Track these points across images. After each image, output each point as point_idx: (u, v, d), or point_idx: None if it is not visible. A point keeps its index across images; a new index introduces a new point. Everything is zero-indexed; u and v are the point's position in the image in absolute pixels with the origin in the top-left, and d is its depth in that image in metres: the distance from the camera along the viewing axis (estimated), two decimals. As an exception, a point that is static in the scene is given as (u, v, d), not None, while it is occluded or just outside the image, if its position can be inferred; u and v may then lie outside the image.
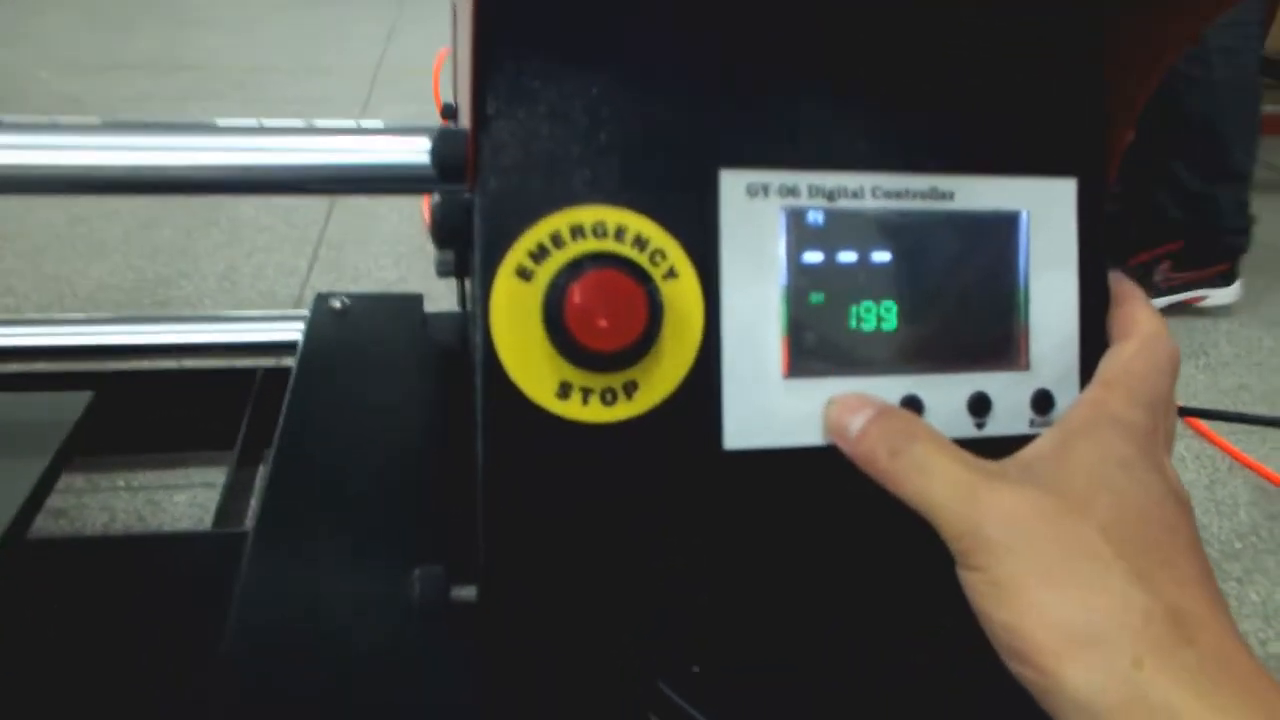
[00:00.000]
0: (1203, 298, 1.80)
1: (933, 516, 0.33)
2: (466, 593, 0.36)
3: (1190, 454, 1.39)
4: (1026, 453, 0.34)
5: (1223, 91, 1.66)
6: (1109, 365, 0.36)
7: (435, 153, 0.35)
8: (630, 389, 0.35)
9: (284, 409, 0.69)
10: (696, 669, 0.37)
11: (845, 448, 0.36)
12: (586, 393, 0.35)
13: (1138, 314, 0.38)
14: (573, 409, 0.35)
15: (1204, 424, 1.41)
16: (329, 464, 0.61)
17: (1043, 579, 0.30)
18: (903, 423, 0.35)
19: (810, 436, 0.36)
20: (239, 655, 0.44)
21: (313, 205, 1.91)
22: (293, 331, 1.06)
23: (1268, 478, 1.33)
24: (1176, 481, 0.34)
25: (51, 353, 0.98)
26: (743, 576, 0.37)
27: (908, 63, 0.38)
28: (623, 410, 0.35)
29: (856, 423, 0.35)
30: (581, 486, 0.35)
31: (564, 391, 0.34)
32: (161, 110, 2.48)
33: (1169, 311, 1.78)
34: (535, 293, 0.34)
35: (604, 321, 0.33)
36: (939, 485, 0.33)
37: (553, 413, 0.35)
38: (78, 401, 0.92)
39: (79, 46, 3.06)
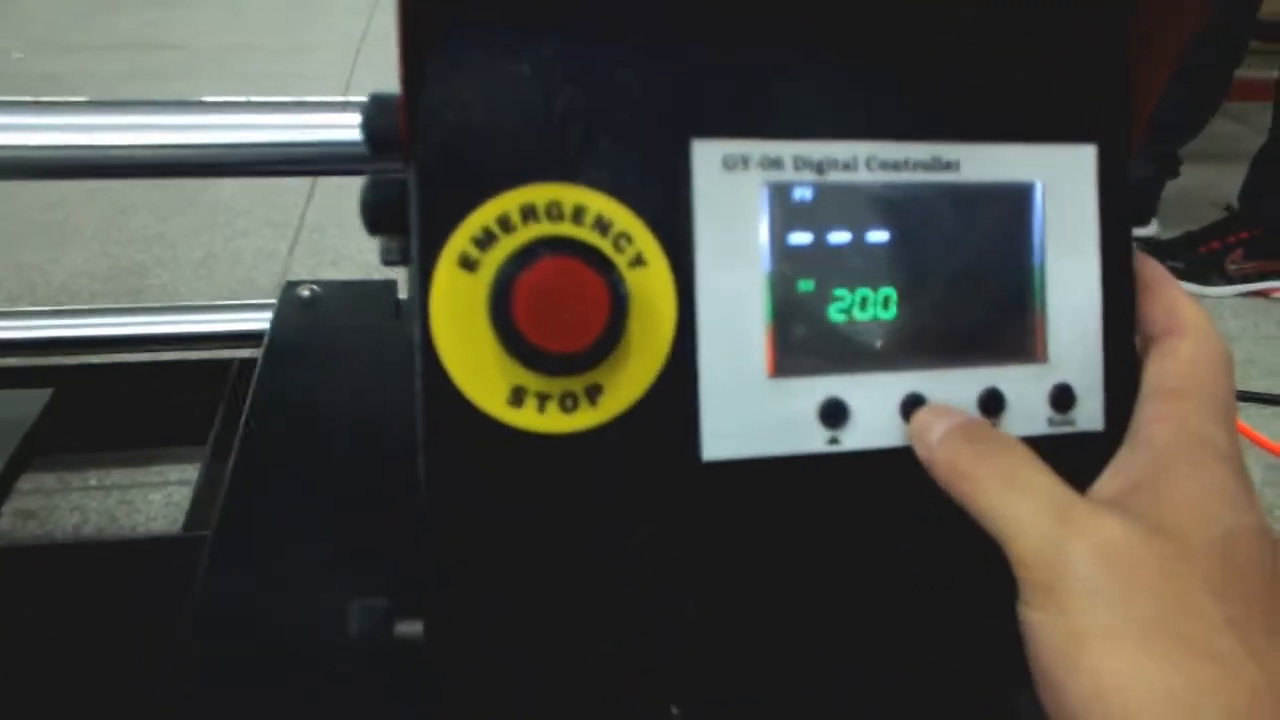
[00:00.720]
0: (1278, 289, 1.81)
1: (1009, 534, 0.28)
2: (412, 629, 0.31)
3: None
4: (1114, 479, 0.30)
5: None
6: (1170, 370, 0.32)
7: (365, 123, 0.31)
8: (593, 393, 0.30)
9: (246, 405, 0.66)
10: (676, 711, 0.33)
11: (923, 453, 0.31)
12: (543, 399, 0.30)
13: (1179, 304, 0.33)
14: (527, 418, 0.30)
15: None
16: (294, 465, 0.58)
17: (1141, 638, 0.25)
18: (994, 431, 0.31)
19: (801, 443, 0.32)
20: (194, 673, 0.41)
21: (294, 186, 1.85)
22: (265, 321, 1.02)
23: (1281, 455, 1.29)
24: (1266, 521, 0.29)
25: (8, 347, 0.94)
26: (727, 604, 0.32)
27: (905, 17, 0.33)
28: (585, 418, 0.30)
29: (941, 425, 0.31)
30: (539, 507, 0.31)
31: (517, 398, 0.30)
32: (140, 90, 2.43)
33: (1240, 299, 1.79)
34: (481, 285, 0.30)
35: (559, 317, 0.28)
36: (1026, 497, 0.28)
37: (504, 423, 0.30)
38: (36, 400, 0.88)
39: (59, 26, 3.00)
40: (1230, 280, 1.81)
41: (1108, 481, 0.30)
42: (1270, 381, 1.49)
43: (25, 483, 1.11)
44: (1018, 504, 0.28)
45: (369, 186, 0.30)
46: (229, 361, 1.10)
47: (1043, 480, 0.29)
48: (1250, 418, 1.35)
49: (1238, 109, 2.26)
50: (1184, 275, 1.82)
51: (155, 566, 0.81)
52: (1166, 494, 0.28)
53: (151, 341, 1.02)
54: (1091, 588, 0.26)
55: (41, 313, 0.96)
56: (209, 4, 3.21)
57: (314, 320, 0.77)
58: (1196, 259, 1.84)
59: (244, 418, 0.64)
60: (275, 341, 0.74)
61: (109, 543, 1.04)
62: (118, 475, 1.14)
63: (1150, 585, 0.26)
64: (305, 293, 0.80)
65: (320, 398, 0.66)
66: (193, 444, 1.12)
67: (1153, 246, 1.89)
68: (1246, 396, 1.31)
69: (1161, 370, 0.32)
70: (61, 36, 2.89)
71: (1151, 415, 0.31)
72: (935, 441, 0.31)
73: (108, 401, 1.07)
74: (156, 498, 1.11)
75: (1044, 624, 0.27)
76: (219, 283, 1.55)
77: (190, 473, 1.12)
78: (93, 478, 1.14)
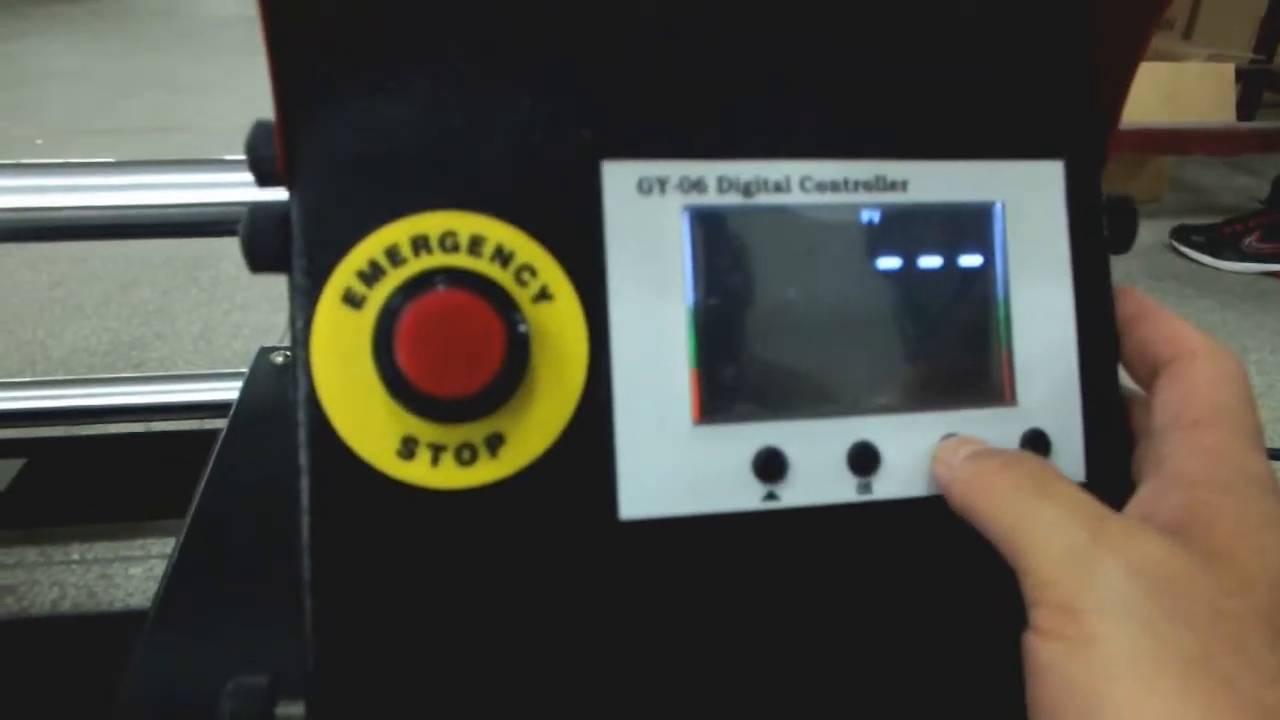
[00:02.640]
0: None
1: (1030, 546, 0.24)
2: (294, 710, 0.28)
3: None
4: (1142, 518, 0.26)
5: None
6: (1190, 397, 0.28)
7: (248, 151, 0.28)
8: (494, 444, 0.27)
9: (204, 477, 0.63)
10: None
11: (942, 474, 0.28)
12: (437, 450, 0.27)
13: (1181, 328, 0.29)
14: (419, 471, 0.27)
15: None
16: (245, 537, 0.55)
17: (1182, 676, 0.21)
18: (1025, 453, 0.29)
19: (732, 500, 0.28)
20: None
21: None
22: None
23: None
24: None
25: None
26: (646, 682, 0.29)
27: (844, 21, 0.30)
28: (485, 472, 0.27)
29: (964, 450, 0.28)
30: (435, 572, 0.27)
31: (407, 449, 0.27)
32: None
33: (1254, 279, 1.98)
34: (366, 323, 0.27)
35: (446, 357, 0.25)
36: (1055, 504, 0.25)
37: (394, 477, 0.27)
38: (5, 471, 0.86)
39: (77, 113, 3.06)
40: (1244, 257, 1.99)
41: (1135, 512, 0.27)
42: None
43: (7, 557, 1.09)
44: (1044, 511, 0.25)
45: (247, 218, 0.27)
46: (215, 433, 1.08)
47: (1075, 492, 0.25)
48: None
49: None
50: (1203, 248, 2.02)
51: (128, 641, 0.79)
52: (1215, 527, 0.24)
53: (133, 412, 1.00)
54: (1127, 610, 0.22)
55: (17, 384, 0.94)
56: (219, 90, 3.26)
57: (284, 387, 0.75)
58: (1218, 236, 2.02)
59: (200, 487, 0.62)
60: (241, 409, 0.71)
61: (84, 618, 1.02)
62: (100, 548, 1.12)
63: (1197, 616, 0.22)
64: (279, 359, 0.78)
65: (281, 468, 0.63)
66: (176, 516, 1.10)
67: (1182, 228, 2.09)
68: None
69: (1179, 398, 0.28)
70: (79, 123, 2.94)
71: (1179, 448, 0.27)
72: (959, 461, 0.28)
73: (89, 472, 1.05)
74: (136, 571, 1.08)
75: (1061, 655, 0.23)
76: (217, 355, 1.54)
77: (170, 546, 1.09)
78: (74, 551, 1.11)
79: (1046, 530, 0.24)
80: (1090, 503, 0.25)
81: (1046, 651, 0.23)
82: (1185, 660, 0.22)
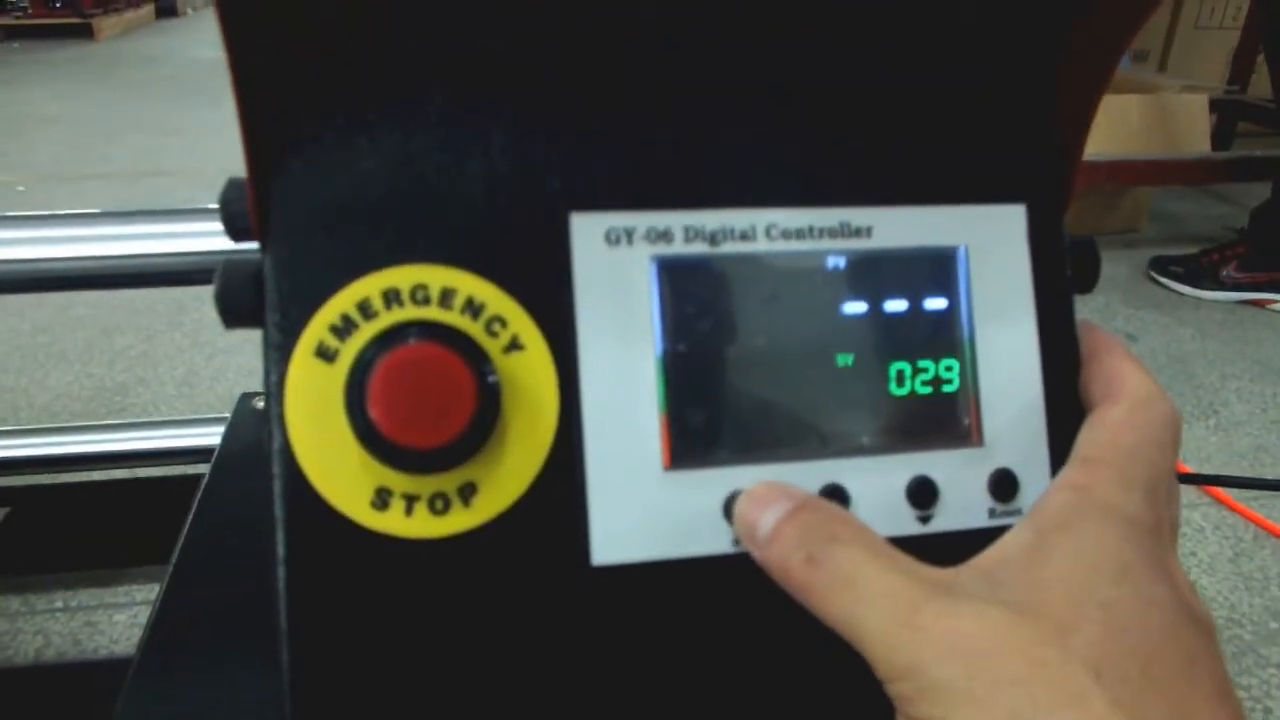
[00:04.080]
0: (1273, 301, 2.02)
1: (863, 647, 0.25)
2: None
3: (1210, 524, 1.29)
4: (988, 556, 0.27)
5: None
6: (1091, 437, 0.28)
7: (223, 208, 0.28)
8: (467, 493, 0.27)
9: (188, 522, 0.63)
10: None
11: (755, 553, 0.27)
12: (410, 500, 0.27)
13: (1122, 369, 0.30)
14: (393, 522, 0.27)
15: (1222, 491, 1.32)
16: (230, 588, 0.55)
17: None
18: (825, 518, 0.27)
19: (703, 544, 0.29)
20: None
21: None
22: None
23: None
24: (1190, 592, 0.26)
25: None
26: None
27: (806, 68, 0.31)
28: (458, 521, 0.27)
29: (768, 520, 0.27)
30: (409, 621, 0.27)
31: (381, 500, 0.27)
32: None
33: (1233, 308, 2.02)
34: (339, 377, 0.27)
35: (417, 408, 0.26)
36: (869, 604, 0.25)
37: (367, 528, 0.27)
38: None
39: (60, 160, 3.06)
40: (1223, 287, 2.04)
41: (985, 554, 0.27)
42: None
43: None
44: (864, 615, 0.25)
45: (220, 274, 0.28)
46: (198, 477, 1.08)
47: (886, 581, 0.25)
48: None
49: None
50: (1182, 278, 2.06)
51: (114, 689, 0.78)
52: (1041, 569, 0.25)
53: (116, 459, 0.99)
54: (951, 693, 0.23)
55: (0, 432, 0.93)
56: (204, 134, 3.27)
57: (265, 433, 0.75)
58: (1197, 266, 2.07)
59: (184, 533, 0.61)
60: (223, 455, 0.71)
61: (69, 666, 1.01)
62: (84, 596, 1.11)
63: (1017, 675, 0.23)
64: (260, 404, 0.78)
65: (264, 513, 0.63)
66: (160, 562, 1.09)
67: (1160, 258, 2.13)
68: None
69: (1083, 439, 0.29)
70: (62, 169, 2.94)
71: (1054, 485, 0.28)
72: (763, 540, 0.27)
73: (72, 519, 1.05)
74: (121, 619, 1.08)
75: None
76: (200, 400, 1.53)
77: (155, 593, 1.08)
78: (59, 599, 1.10)
79: (868, 632, 0.25)
80: (903, 590, 0.25)
81: None
82: None
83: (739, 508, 0.28)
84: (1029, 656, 0.23)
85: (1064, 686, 0.23)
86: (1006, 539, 0.27)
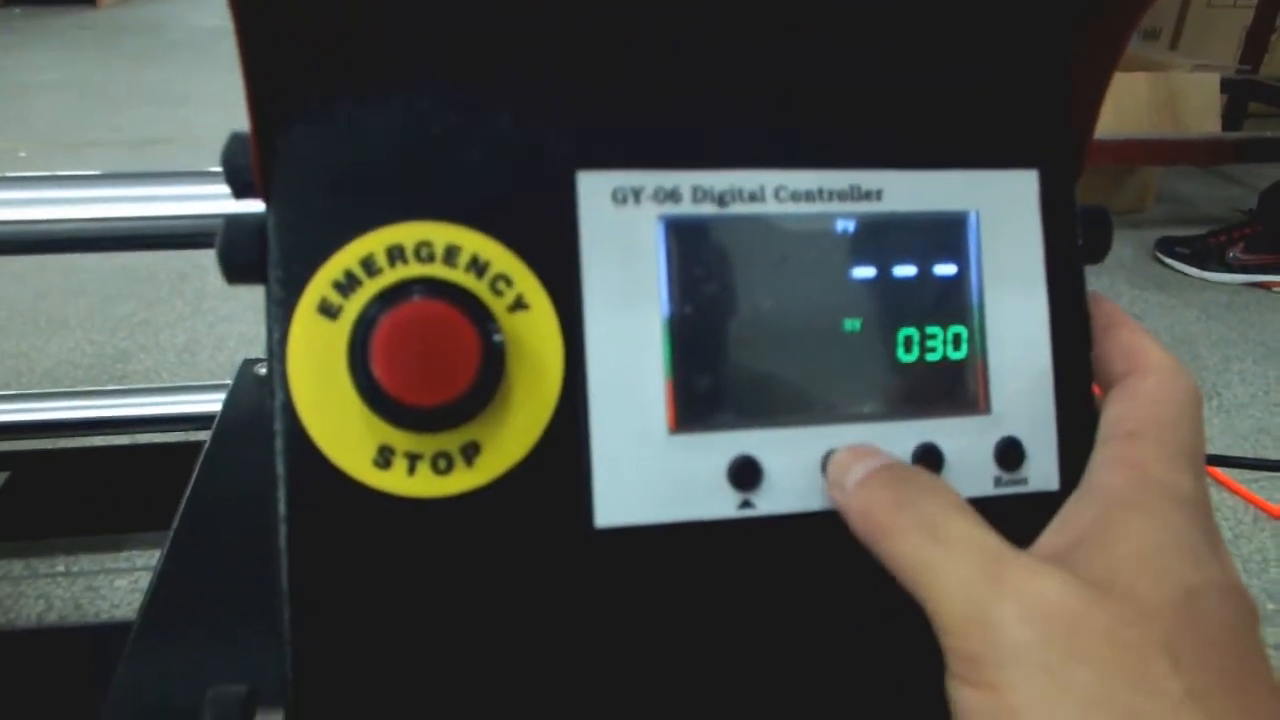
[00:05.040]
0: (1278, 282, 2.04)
1: (931, 596, 0.24)
2: (273, 718, 0.28)
3: (1209, 505, 1.29)
4: (1058, 532, 0.26)
5: None
6: (1127, 410, 0.28)
7: (225, 162, 0.28)
8: (470, 453, 0.27)
9: (189, 489, 0.63)
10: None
11: (839, 500, 0.28)
12: (413, 459, 0.27)
13: (1143, 342, 0.29)
14: (396, 480, 0.27)
15: (1221, 471, 1.32)
16: (230, 553, 0.55)
17: (1080, 716, 0.22)
18: (917, 474, 0.27)
19: (708, 508, 0.29)
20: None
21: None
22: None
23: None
24: (1238, 578, 0.25)
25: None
26: (622, 688, 0.29)
27: (819, 31, 0.30)
28: (462, 480, 0.27)
29: (860, 468, 0.27)
30: (412, 580, 0.27)
31: (384, 459, 0.27)
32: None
33: (1239, 290, 2.02)
34: (342, 333, 0.27)
35: (421, 366, 0.25)
36: (951, 552, 0.24)
37: (370, 486, 0.27)
38: (-12, 484, 0.86)
39: (62, 126, 3.05)
40: (1229, 269, 2.04)
41: (1052, 536, 0.27)
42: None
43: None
44: (941, 560, 0.24)
45: (223, 230, 0.27)
46: (199, 443, 1.08)
47: (972, 532, 0.25)
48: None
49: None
50: (1188, 259, 2.06)
51: (115, 653, 0.79)
52: (1117, 548, 0.25)
53: (118, 425, 0.99)
54: (1025, 657, 0.22)
55: (1, 397, 0.93)
56: (207, 101, 3.25)
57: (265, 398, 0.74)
58: (1203, 247, 2.06)
59: (183, 501, 0.61)
60: (224, 421, 0.71)
61: (71, 629, 1.01)
62: (85, 561, 1.11)
63: (1095, 653, 0.22)
64: (262, 370, 0.78)
65: (264, 479, 0.63)
66: (161, 528, 1.10)
67: (1167, 239, 2.12)
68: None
69: (1119, 413, 0.28)
70: (64, 136, 2.93)
71: (1104, 461, 0.27)
72: (851, 486, 0.27)
73: (74, 485, 1.05)
74: (122, 583, 1.08)
75: (973, 701, 0.23)
76: (201, 367, 1.53)
77: (155, 558, 1.09)
78: (60, 564, 1.11)
79: (945, 579, 0.24)
80: (988, 543, 0.25)
81: (961, 697, 0.24)
82: (1085, 700, 0.22)
83: (837, 455, 0.29)
84: (1111, 636, 0.22)
85: (1143, 671, 0.22)
86: (1070, 515, 0.27)
